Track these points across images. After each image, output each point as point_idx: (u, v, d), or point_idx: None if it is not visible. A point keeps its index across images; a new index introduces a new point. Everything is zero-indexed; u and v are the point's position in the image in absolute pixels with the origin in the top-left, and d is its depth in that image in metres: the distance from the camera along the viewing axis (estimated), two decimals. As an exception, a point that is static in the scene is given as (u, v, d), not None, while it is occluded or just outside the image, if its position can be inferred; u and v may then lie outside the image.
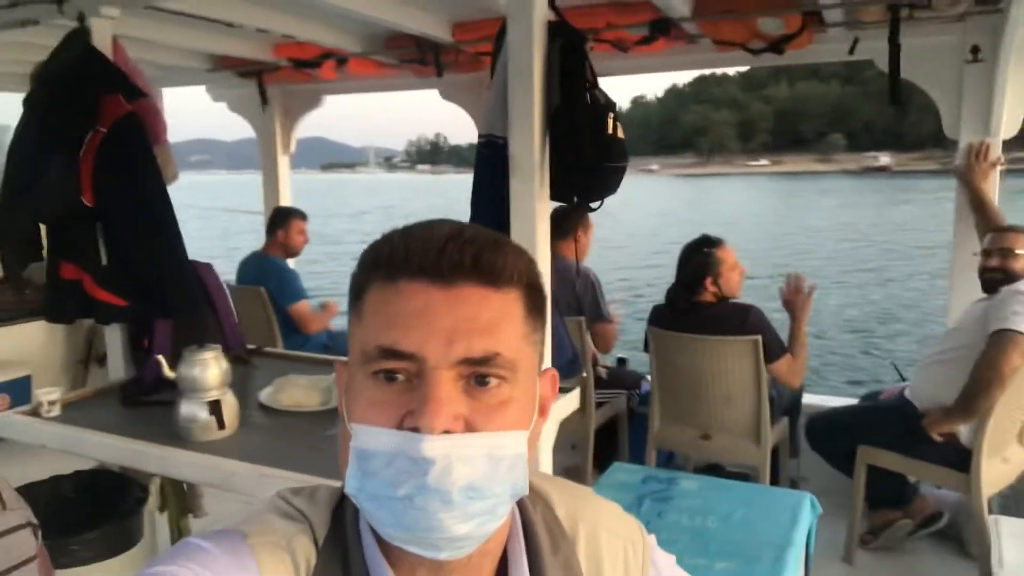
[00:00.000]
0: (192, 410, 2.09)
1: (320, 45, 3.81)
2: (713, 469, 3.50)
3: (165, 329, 2.59)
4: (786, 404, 3.32)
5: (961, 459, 2.67)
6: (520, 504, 0.73)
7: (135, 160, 2.49)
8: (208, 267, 2.76)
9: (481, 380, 0.62)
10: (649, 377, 3.42)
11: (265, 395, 2.38)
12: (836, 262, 19.03)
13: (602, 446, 3.53)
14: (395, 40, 3.80)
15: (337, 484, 0.70)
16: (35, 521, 1.46)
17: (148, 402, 2.38)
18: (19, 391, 3.43)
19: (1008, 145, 3.19)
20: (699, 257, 3.15)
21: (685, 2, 3.04)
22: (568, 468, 3.64)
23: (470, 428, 0.61)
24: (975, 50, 3.09)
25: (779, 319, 3.17)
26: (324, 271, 15.57)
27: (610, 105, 2.12)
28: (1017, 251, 2.77)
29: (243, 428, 2.18)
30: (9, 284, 3.53)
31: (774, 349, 3.00)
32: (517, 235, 2.09)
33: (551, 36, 2.10)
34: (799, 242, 23.73)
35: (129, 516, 2.25)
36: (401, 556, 0.65)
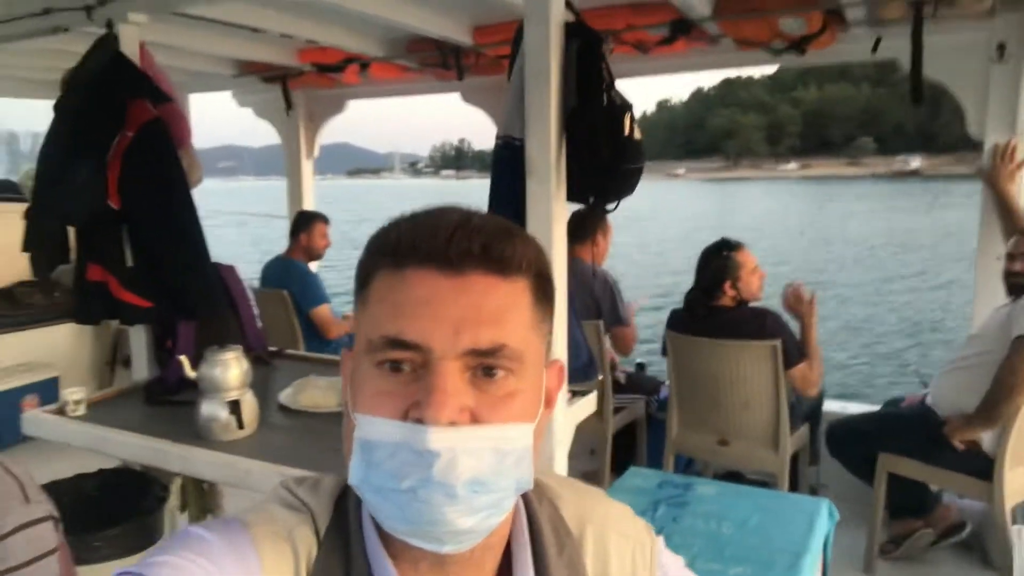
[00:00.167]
0: (212, 410, 2.12)
1: (343, 50, 3.85)
2: (733, 477, 3.47)
3: (188, 330, 2.63)
4: (806, 411, 3.28)
5: (984, 467, 2.63)
6: (526, 501, 0.72)
7: (160, 164, 2.53)
8: (231, 269, 2.80)
9: (488, 371, 0.61)
10: (668, 382, 3.40)
11: (285, 396, 2.41)
12: (882, 269, 18.74)
13: (620, 451, 3.51)
14: (416, 44, 3.83)
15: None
16: (56, 514, 1.49)
17: (171, 402, 2.41)
18: (48, 392, 3.49)
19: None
20: (718, 261, 3.13)
21: (705, 2, 3.02)
22: (586, 473, 3.64)
23: (476, 420, 0.60)
24: (1001, 49, 3.04)
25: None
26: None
27: (627, 106, 2.12)
28: None
29: (263, 428, 2.20)
30: (38, 286, 3.61)
31: (792, 355, 2.97)
32: (534, 236, 2.08)
33: (568, 37, 2.10)
34: (839, 250, 23.27)
35: (150, 514, 2.29)
36: (403, 548, 0.64)
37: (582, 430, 2.57)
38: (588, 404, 2.38)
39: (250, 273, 4.28)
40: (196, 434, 2.13)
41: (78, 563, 1.68)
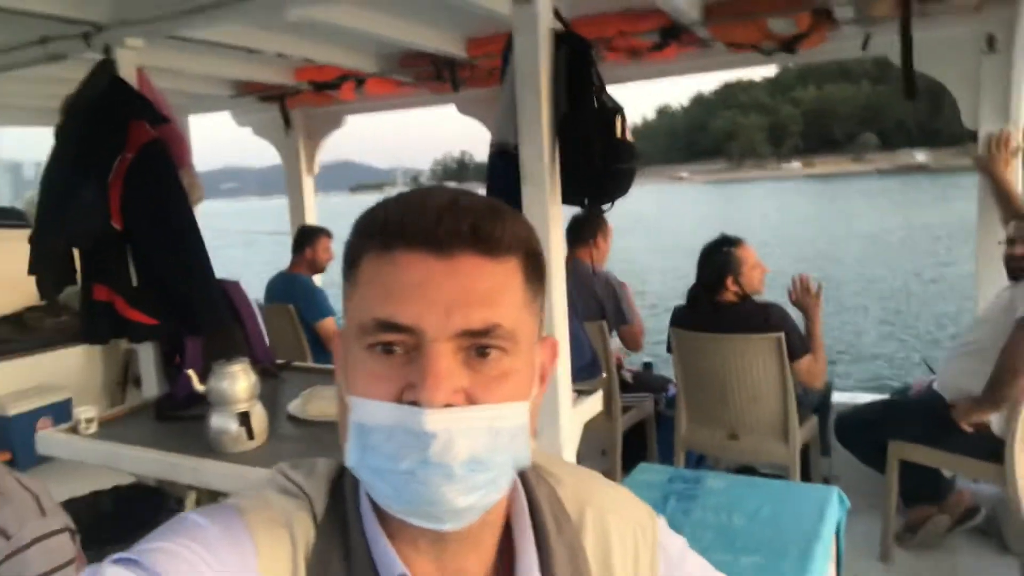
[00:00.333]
0: (222, 422, 2.15)
1: (338, 67, 3.90)
2: (745, 472, 3.47)
3: (196, 346, 2.66)
4: (815, 402, 3.29)
5: (995, 450, 2.63)
6: (525, 481, 0.73)
7: (161, 183, 2.58)
8: (235, 284, 2.84)
9: (481, 351, 0.60)
10: (675, 379, 3.41)
11: (294, 406, 2.44)
12: (906, 262, 18.64)
13: (631, 451, 3.52)
14: (411, 59, 3.87)
15: None
16: (73, 527, 1.52)
17: (181, 417, 2.45)
18: (61, 413, 3.53)
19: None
20: (719, 256, 3.15)
21: (694, 7, 3.05)
22: (598, 473, 3.65)
23: (471, 400, 0.60)
24: (991, 40, 3.07)
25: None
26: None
27: (617, 108, 2.15)
28: None
29: (273, 439, 2.23)
30: (46, 309, 3.66)
31: (796, 347, 2.98)
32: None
33: (557, 44, 2.14)
34: (857, 245, 22.99)
35: (165, 529, 2.31)
36: (401, 528, 0.64)
37: (592, 430, 2.59)
38: (594, 403, 2.40)
39: (262, 291, 4.33)
40: (207, 447, 2.16)
41: (95, 577, 1.71)
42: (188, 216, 2.65)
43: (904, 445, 2.85)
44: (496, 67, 3.71)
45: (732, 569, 1.79)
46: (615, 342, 3.64)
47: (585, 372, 2.32)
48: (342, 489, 0.68)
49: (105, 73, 2.63)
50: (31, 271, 2.61)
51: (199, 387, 2.20)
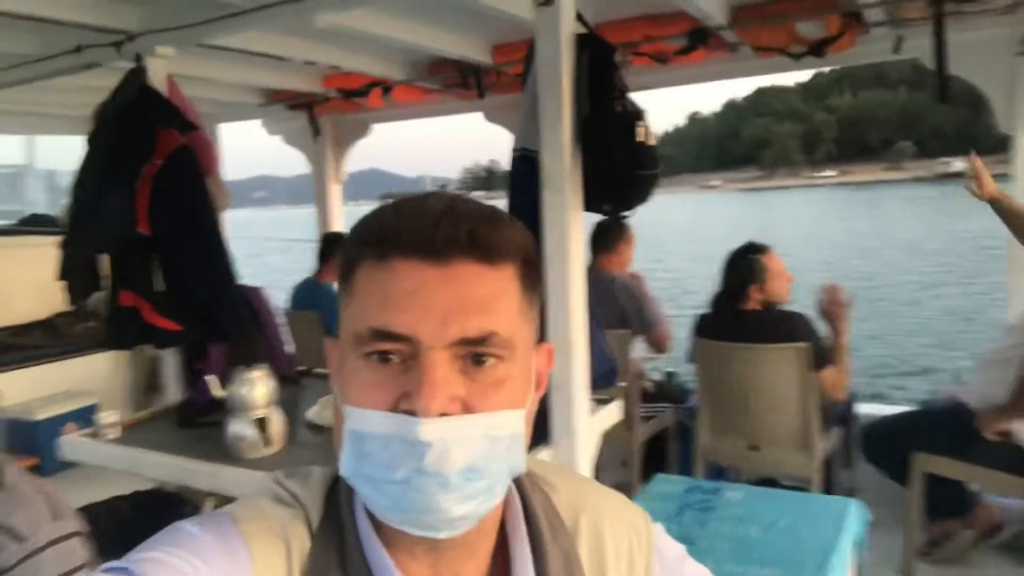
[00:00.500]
0: (240, 428, 2.16)
1: (366, 74, 3.92)
2: (766, 484, 3.40)
3: (218, 352, 2.68)
4: (838, 414, 3.22)
5: (1021, 463, 2.55)
6: (520, 488, 0.72)
7: (188, 190, 2.61)
8: (256, 291, 2.86)
9: (478, 360, 0.60)
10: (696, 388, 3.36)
11: (312, 413, 2.44)
12: (957, 272, 18.12)
13: (651, 462, 3.47)
14: (437, 66, 3.89)
15: None
16: (85, 531, 1.53)
17: (202, 423, 2.46)
18: (87, 419, 3.58)
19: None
20: (744, 263, 3.09)
21: (721, 10, 3.02)
22: (617, 484, 3.59)
23: (467, 409, 0.59)
24: (1026, 43, 2.99)
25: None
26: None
27: (639, 113, 2.13)
28: None
29: (291, 445, 2.24)
30: (74, 315, 3.72)
31: (821, 358, 2.91)
32: (550, 246, 2.10)
33: (579, 48, 2.12)
34: (900, 256, 22.36)
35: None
36: (397, 536, 0.64)
37: (612, 441, 2.55)
38: (612, 413, 2.37)
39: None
40: (225, 453, 2.17)
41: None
42: (214, 223, 2.67)
43: (929, 457, 2.77)
44: (521, 73, 3.71)
45: (750, 582, 1.75)
46: (638, 351, 3.60)
47: (604, 381, 2.29)
48: (337, 497, 0.68)
49: (135, 81, 2.68)
50: (60, 276, 2.65)
51: (218, 393, 2.21)
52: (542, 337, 0.71)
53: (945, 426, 2.82)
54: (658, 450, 3.62)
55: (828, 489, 3.08)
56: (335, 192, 5.21)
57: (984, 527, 2.87)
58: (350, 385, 0.62)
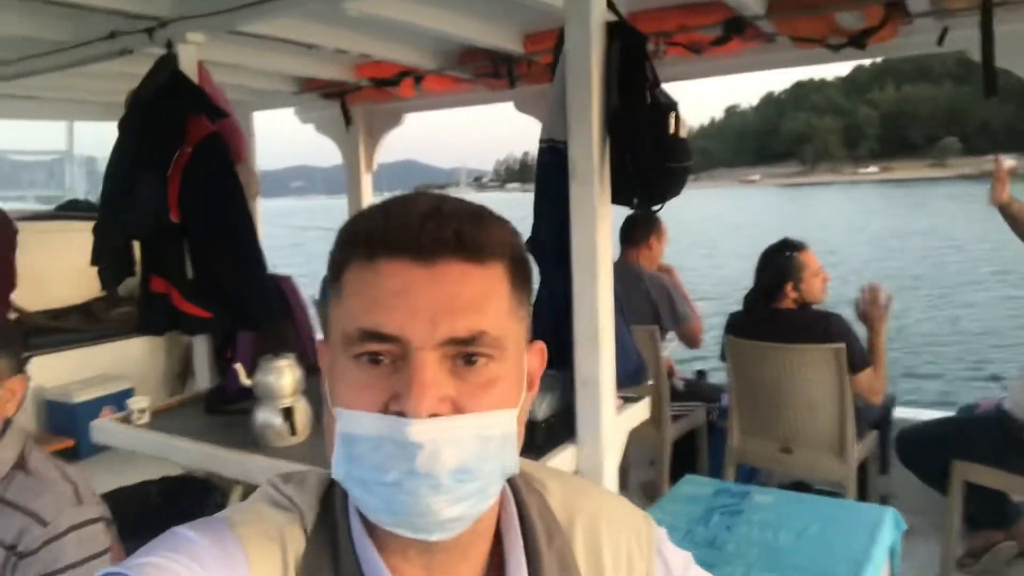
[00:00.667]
0: (267, 416, 2.17)
1: (397, 63, 3.91)
2: (799, 488, 3.33)
3: (247, 340, 2.70)
4: (875, 417, 3.14)
5: None
6: (515, 490, 0.72)
7: (218, 177, 2.62)
8: (287, 279, 2.87)
9: (468, 359, 0.60)
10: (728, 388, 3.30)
11: (338, 402, 2.44)
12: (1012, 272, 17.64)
13: (681, 461, 3.42)
14: (469, 55, 3.86)
15: None
16: (108, 516, 1.54)
17: (231, 410, 2.48)
18: (122, 403, 3.63)
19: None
20: (780, 260, 3.02)
21: (758, 0, 2.95)
22: (645, 483, 3.56)
23: (458, 409, 0.59)
24: (1079, 35, 2.86)
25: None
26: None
27: (671, 104, 2.08)
28: None
29: (316, 434, 2.23)
30: (109, 300, 3.77)
31: (857, 360, 2.84)
32: (577, 239, 2.07)
33: (610, 37, 2.08)
34: (950, 255, 21.82)
35: (208, 522, 2.34)
36: (390, 539, 0.64)
37: (641, 439, 2.50)
38: (640, 411, 2.33)
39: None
40: (253, 441, 2.18)
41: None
42: (243, 210, 2.68)
43: (969, 466, 2.69)
44: (551, 63, 3.67)
45: (778, 590, 1.70)
46: (669, 347, 3.54)
47: (631, 378, 2.24)
48: (332, 500, 0.68)
49: (166, 68, 2.69)
50: (93, 261, 2.69)
51: (246, 381, 2.22)
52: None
53: (987, 434, 2.73)
54: (688, 450, 3.57)
55: (862, 495, 3.01)
56: (366, 182, 5.21)
57: None
58: (340, 387, 0.62)
